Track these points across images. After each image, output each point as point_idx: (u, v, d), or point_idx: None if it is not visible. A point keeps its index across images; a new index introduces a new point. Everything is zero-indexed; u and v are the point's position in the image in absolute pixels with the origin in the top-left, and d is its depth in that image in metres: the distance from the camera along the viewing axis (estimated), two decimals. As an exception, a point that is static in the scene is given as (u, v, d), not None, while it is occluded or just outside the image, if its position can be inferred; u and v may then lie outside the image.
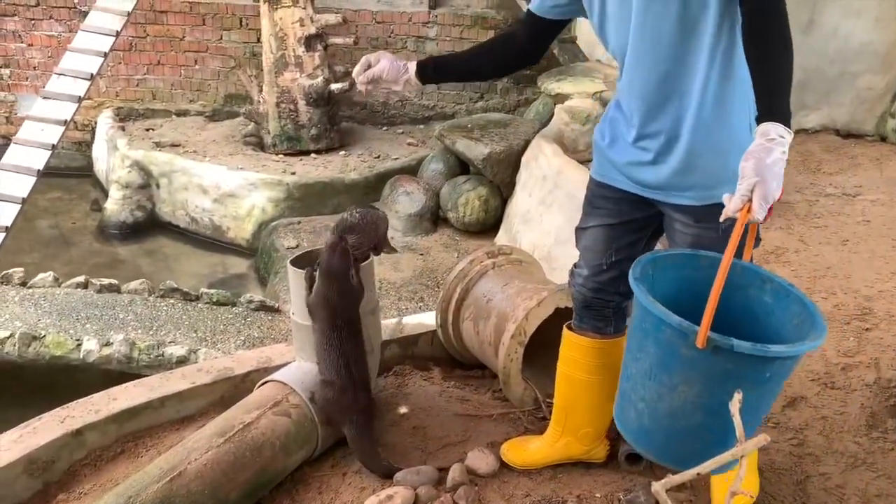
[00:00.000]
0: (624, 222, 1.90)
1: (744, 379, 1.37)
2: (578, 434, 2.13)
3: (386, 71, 1.95)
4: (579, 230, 2.00)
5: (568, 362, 2.08)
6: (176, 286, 4.51)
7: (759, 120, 1.48)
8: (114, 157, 6.33)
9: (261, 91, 6.29)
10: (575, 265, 2.03)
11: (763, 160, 1.40)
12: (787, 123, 1.45)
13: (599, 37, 1.81)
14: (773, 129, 1.44)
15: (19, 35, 7.09)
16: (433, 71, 1.98)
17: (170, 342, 4.01)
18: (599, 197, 1.92)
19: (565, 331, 2.08)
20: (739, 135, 1.66)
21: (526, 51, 1.96)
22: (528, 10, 1.92)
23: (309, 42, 6.09)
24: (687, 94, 1.67)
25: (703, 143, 1.69)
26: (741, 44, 1.57)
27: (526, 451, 2.19)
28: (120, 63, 7.11)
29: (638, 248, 1.90)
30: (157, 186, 6.07)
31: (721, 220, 1.45)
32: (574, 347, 2.06)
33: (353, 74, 1.99)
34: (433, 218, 5.64)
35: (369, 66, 1.96)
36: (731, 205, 1.42)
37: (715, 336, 1.35)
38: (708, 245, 1.65)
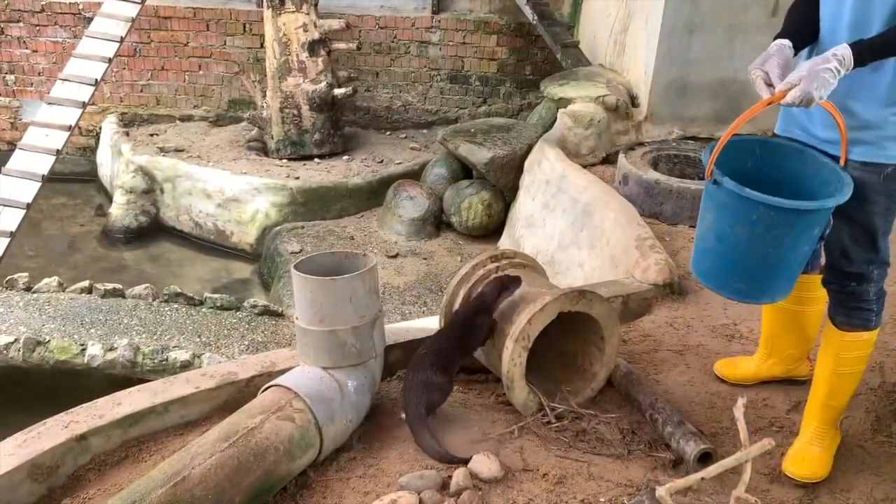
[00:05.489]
0: None
1: (736, 214, 1.88)
2: (783, 356, 2.52)
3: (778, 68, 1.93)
4: None
5: None
6: (180, 291, 4.52)
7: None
8: (118, 163, 6.36)
9: (264, 96, 6.31)
10: None
11: (817, 64, 1.76)
12: (860, 54, 1.76)
13: None
14: (842, 50, 1.76)
15: (24, 41, 7.13)
16: (797, 49, 1.98)
17: (174, 347, 4.02)
18: None
19: None
20: None
21: None
22: None
23: (312, 47, 6.11)
24: None
25: None
26: None
27: (738, 368, 2.61)
28: (124, 69, 7.14)
29: None
30: (161, 191, 6.09)
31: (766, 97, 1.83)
32: None
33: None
34: (436, 222, 5.64)
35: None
36: (778, 87, 1.81)
37: (716, 171, 1.86)
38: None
